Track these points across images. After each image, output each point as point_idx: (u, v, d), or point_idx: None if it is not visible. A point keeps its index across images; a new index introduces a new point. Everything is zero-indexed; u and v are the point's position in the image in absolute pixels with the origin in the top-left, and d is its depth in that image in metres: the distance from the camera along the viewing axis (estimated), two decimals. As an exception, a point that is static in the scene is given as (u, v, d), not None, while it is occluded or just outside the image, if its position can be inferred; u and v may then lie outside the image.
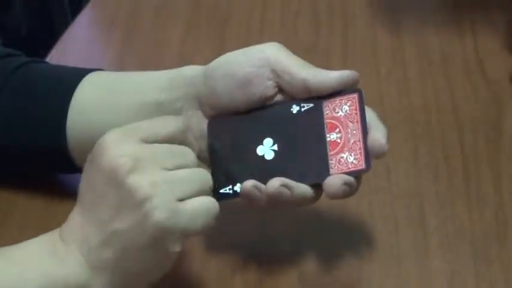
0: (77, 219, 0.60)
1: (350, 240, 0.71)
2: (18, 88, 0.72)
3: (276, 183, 0.62)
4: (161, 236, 0.58)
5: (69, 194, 0.74)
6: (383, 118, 0.82)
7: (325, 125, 0.64)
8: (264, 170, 0.64)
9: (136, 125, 0.62)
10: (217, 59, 0.66)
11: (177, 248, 0.59)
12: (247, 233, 0.72)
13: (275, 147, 0.65)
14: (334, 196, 0.62)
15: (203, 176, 0.61)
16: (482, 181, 0.75)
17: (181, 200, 0.58)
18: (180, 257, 0.69)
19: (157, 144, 0.60)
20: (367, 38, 0.94)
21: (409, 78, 0.88)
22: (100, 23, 1.03)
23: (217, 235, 0.71)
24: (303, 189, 0.62)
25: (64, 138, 0.70)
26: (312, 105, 0.65)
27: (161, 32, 0.97)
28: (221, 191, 0.64)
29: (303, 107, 0.65)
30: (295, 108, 0.65)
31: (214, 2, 1.01)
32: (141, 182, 0.57)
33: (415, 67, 0.89)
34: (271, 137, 0.65)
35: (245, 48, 0.66)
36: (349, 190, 0.62)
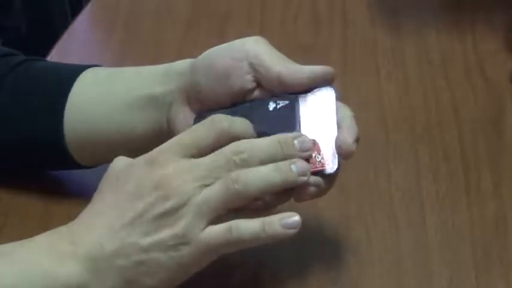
0: (94, 225, 0.59)
1: (350, 240, 0.70)
2: (17, 85, 0.72)
3: None
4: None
5: (69, 194, 0.74)
6: (383, 118, 0.83)
7: (298, 122, 0.64)
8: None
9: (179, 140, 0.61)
10: (204, 53, 0.67)
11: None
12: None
13: None
14: (301, 199, 0.62)
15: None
16: (482, 181, 0.75)
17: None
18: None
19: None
20: (367, 38, 0.94)
21: (409, 78, 0.88)
22: (100, 23, 1.03)
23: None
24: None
25: (62, 133, 0.70)
26: (287, 102, 0.65)
27: (161, 32, 0.97)
28: None
29: (279, 104, 0.65)
30: (271, 105, 0.65)
31: (214, 2, 1.01)
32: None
33: (415, 67, 0.89)
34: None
35: (230, 42, 0.67)
36: (316, 191, 0.62)
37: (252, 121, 0.64)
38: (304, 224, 0.71)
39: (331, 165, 0.62)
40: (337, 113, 0.64)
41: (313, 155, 0.62)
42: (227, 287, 0.67)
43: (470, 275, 0.67)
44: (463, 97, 0.85)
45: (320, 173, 0.62)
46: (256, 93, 0.66)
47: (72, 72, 0.72)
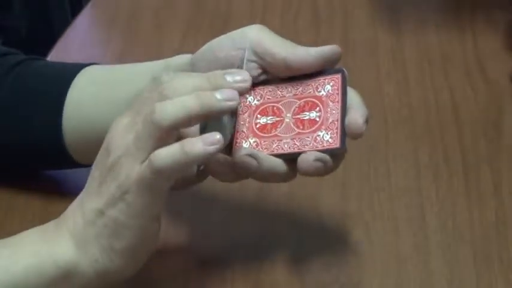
0: (72, 206, 0.61)
1: (350, 240, 0.70)
2: (15, 85, 0.72)
3: (242, 152, 0.62)
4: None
5: (69, 193, 0.74)
6: (383, 118, 0.83)
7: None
8: None
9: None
10: (202, 47, 0.67)
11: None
12: (247, 232, 0.72)
13: None
14: (306, 172, 0.61)
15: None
16: (482, 181, 0.75)
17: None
18: (181, 258, 0.69)
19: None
20: (367, 38, 0.94)
21: (409, 78, 0.88)
22: (100, 23, 1.03)
23: (218, 235, 0.71)
24: (273, 162, 0.62)
25: (60, 133, 0.70)
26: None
27: (161, 32, 0.97)
28: None
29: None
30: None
31: (214, 2, 1.01)
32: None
33: (415, 67, 0.89)
34: None
35: (229, 33, 0.66)
36: (323, 167, 0.61)
37: None
38: (305, 224, 0.71)
39: (339, 144, 0.62)
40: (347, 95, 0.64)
41: (321, 134, 0.62)
42: (227, 286, 0.67)
43: (470, 275, 0.67)
44: (463, 97, 0.85)
45: (328, 151, 0.62)
46: (262, 77, 0.66)
47: (71, 71, 0.72)
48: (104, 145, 0.60)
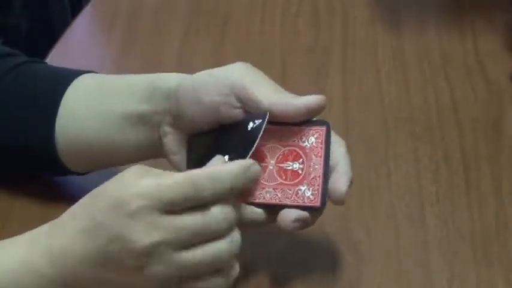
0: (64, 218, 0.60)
1: (350, 240, 0.70)
2: (13, 88, 0.72)
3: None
4: None
5: (68, 197, 0.74)
6: (383, 118, 0.83)
7: (260, 134, 0.62)
8: None
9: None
10: (188, 80, 0.65)
11: None
12: (248, 233, 0.72)
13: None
14: (285, 228, 0.62)
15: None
16: (482, 181, 0.75)
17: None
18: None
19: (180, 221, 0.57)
20: (367, 38, 0.94)
21: (409, 78, 0.88)
22: (100, 23, 1.03)
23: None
24: (254, 213, 0.62)
25: (53, 140, 0.70)
26: (260, 120, 0.63)
27: (161, 32, 0.97)
28: None
29: (255, 123, 0.63)
30: (250, 125, 0.64)
31: (214, 2, 1.01)
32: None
33: (415, 67, 0.89)
34: (228, 153, 0.63)
35: (212, 72, 0.65)
36: (301, 226, 0.62)
37: (232, 141, 0.63)
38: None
39: (318, 203, 0.62)
40: (331, 148, 0.63)
41: (303, 189, 0.62)
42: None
43: (470, 275, 0.67)
44: (463, 97, 0.85)
45: (307, 208, 0.62)
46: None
47: (65, 80, 0.72)
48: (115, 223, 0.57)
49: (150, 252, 0.56)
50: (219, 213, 0.57)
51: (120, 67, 0.92)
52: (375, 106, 0.84)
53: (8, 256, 0.60)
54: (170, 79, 0.67)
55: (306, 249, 0.70)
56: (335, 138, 0.64)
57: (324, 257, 0.69)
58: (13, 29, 1.62)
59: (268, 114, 0.62)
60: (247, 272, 0.68)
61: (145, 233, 0.55)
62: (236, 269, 0.60)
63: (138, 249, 0.56)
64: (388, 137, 0.81)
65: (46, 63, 0.80)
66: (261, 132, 0.62)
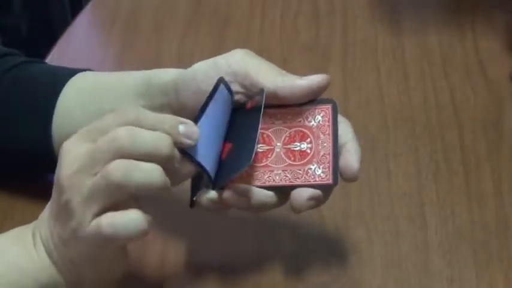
0: (43, 217, 0.61)
1: (350, 240, 0.70)
2: (10, 88, 0.73)
3: (232, 191, 0.61)
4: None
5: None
6: (383, 118, 0.83)
7: (260, 117, 0.61)
8: (220, 170, 0.62)
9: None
10: (187, 71, 0.65)
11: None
12: (247, 234, 0.72)
13: (229, 146, 0.64)
14: (299, 210, 0.61)
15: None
16: (482, 181, 0.75)
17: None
18: (181, 265, 0.69)
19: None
20: (367, 38, 0.94)
21: (409, 77, 0.88)
22: (100, 23, 1.03)
23: (218, 236, 0.71)
24: (264, 196, 0.62)
25: (50, 141, 0.71)
26: (259, 97, 0.63)
27: (161, 32, 0.97)
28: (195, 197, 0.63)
29: (255, 102, 0.63)
30: (249, 105, 0.63)
31: (214, 2, 1.01)
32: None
33: (415, 67, 0.89)
34: (229, 139, 0.63)
35: (213, 60, 0.64)
36: (315, 204, 0.61)
37: (232, 127, 0.63)
38: (305, 224, 0.71)
39: (331, 180, 0.61)
40: (338, 127, 0.63)
41: (313, 167, 0.62)
42: (227, 286, 0.67)
43: (470, 275, 0.67)
44: (463, 97, 0.85)
45: (320, 186, 0.61)
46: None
47: (62, 79, 0.72)
48: (57, 171, 0.59)
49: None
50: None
51: (120, 67, 0.92)
52: (375, 106, 0.84)
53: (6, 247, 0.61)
54: (166, 74, 0.67)
55: (305, 249, 0.70)
56: (341, 119, 0.64)
57: (324, 256, 0.69)
58: (13, 29, 1.63)
59: (265, 90, 0.62)
60: (246, 271, 0.68)
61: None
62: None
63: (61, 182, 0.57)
64: (388, 137, 0.81)
65: (45, 62, 0.80)
66: (262, 110, 0.61)
